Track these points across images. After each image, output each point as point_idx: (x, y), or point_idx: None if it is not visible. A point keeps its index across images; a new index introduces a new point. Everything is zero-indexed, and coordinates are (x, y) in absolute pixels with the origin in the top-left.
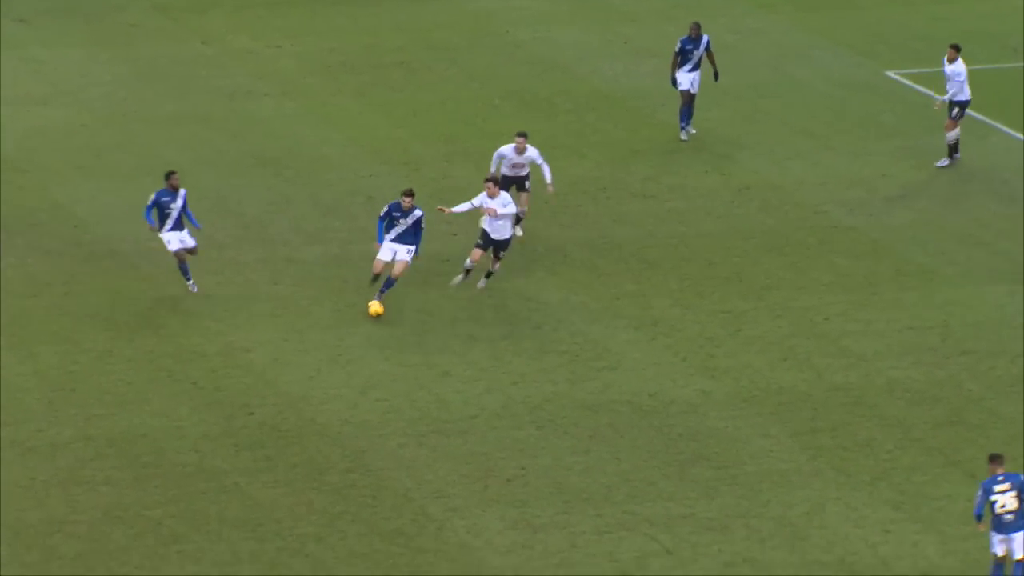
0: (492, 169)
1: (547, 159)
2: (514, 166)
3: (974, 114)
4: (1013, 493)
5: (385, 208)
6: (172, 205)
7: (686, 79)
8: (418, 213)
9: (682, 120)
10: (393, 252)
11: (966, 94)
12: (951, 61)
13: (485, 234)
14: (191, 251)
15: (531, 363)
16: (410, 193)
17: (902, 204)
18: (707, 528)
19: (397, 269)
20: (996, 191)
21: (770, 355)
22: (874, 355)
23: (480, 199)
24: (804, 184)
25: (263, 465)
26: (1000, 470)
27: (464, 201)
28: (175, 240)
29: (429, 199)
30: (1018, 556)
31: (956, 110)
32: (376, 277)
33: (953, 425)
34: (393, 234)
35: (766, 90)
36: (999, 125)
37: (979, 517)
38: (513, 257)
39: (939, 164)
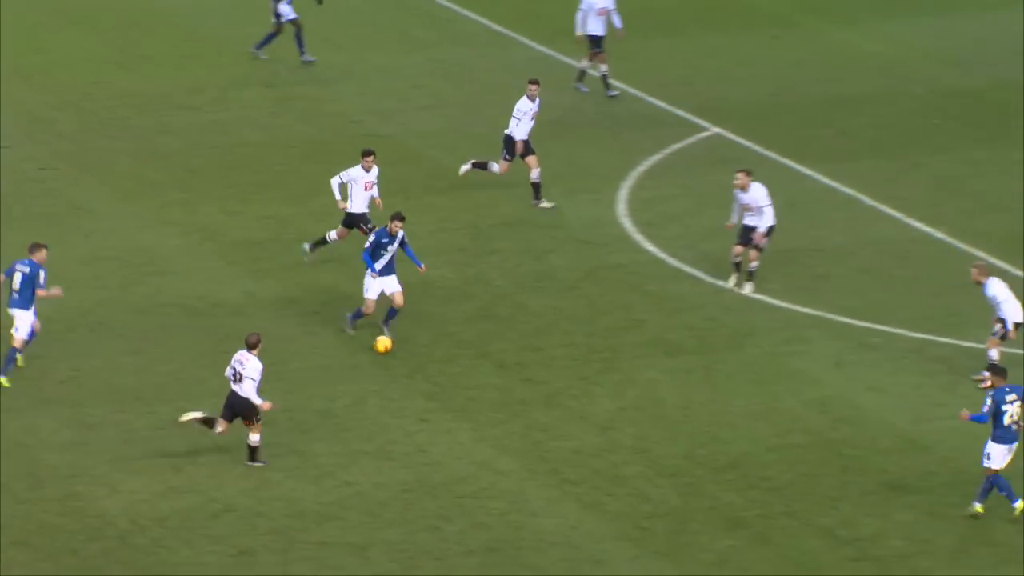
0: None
1: (96, 74)
2: None
3: (496, 27)
4: (1020, 403)
5: (372, 239)
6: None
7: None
8: (401, 235)
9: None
10: (381, 289)
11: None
12: None
13: None
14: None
15: (83, 269)
16: (401, 218)
17: (433, 113)
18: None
19: (397, 300)
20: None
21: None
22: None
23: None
24: (341, 95)
25: None
26: (1004, 383)
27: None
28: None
29: None
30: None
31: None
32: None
33: (484, 319)
34: (380, 265)
35: (297, 5)
36: (521, 38)
37: (983, 420)
38: (63, 167)
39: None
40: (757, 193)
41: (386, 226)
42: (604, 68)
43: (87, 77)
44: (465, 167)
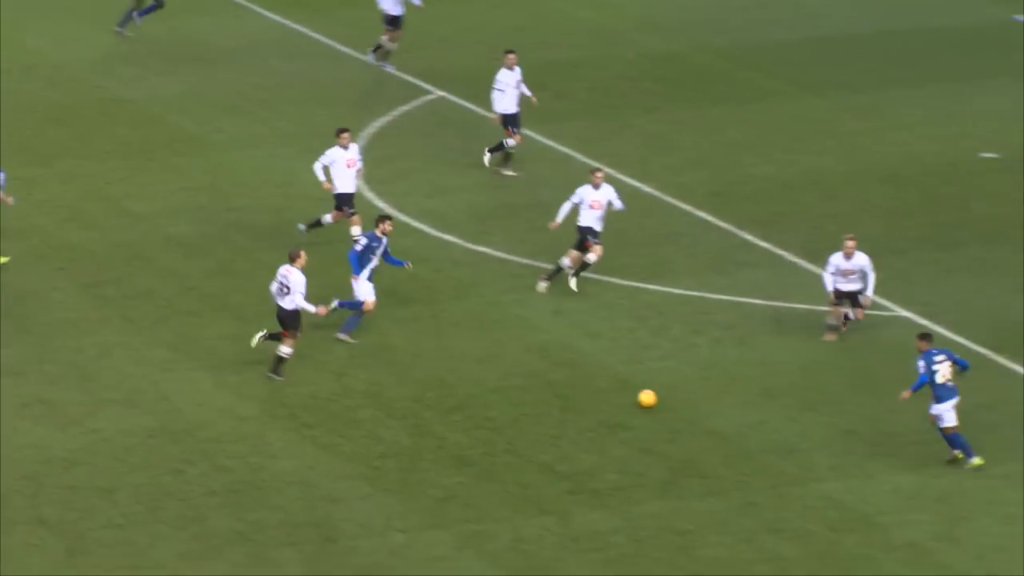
0: None
1: None
2: None
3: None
4: (948, 363)
5: (364, 241)
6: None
7: None
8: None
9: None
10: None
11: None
12: None
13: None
14: None
15: None
16: (388, 217)
17: (173, 78)
18: (5, 373)
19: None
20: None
21: (58, 216)
22: (153, 214)
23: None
24: (84, 62)
25: None
26: (929, 346)
27: None
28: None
29: None
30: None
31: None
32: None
33: (224, 274)
34: (368, 271)
35: None
36: (257, 8)
37: (922, 384)
38: None
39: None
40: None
41: (373, 231)
42: (389, 43)
43: None
44: (487, 157)
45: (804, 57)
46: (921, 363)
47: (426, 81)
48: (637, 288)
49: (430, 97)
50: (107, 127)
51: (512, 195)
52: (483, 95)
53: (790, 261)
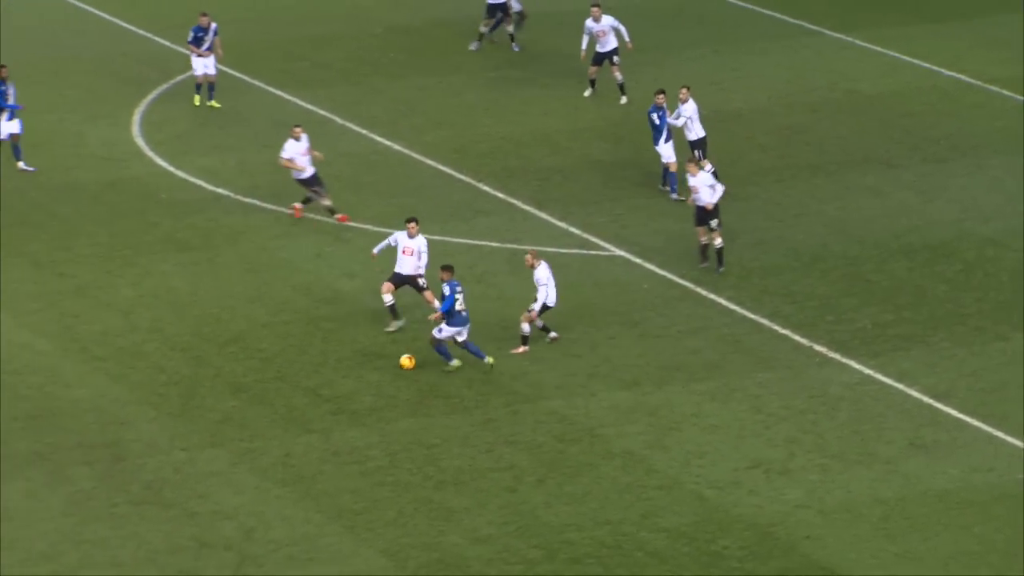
0: None
1: None
2: None
3: None
4: (463, 294)
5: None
6: None
7: None
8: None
9: None
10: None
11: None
12: None
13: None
14: None
15: None
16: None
17: None
18: None
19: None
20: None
21: None
22: None
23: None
24: None
25: None
26: (451, 277)
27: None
28: None
29: None
30: (461, 339)
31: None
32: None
33: (21, 225)
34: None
35: None
36: None
37: (450, 304)
38: None
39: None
40: (540, 273)
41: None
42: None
43: None
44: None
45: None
46: (446, 288)
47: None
48: (383, 232)
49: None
50: None
51: (277, 152)
52: (250, 64)
53: (521, 208)
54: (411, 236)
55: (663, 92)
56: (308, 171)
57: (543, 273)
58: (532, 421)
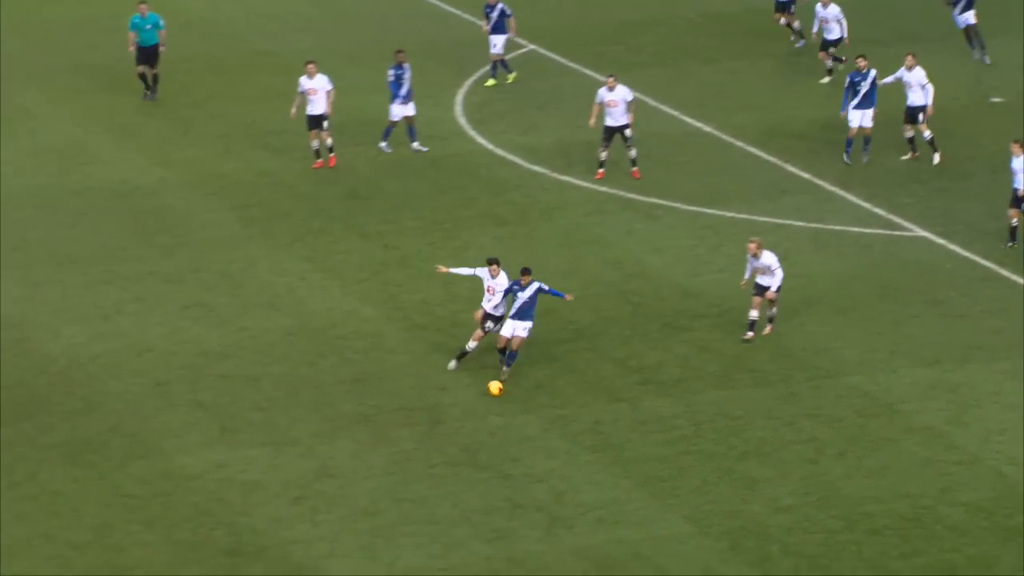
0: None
1: (33, 5)
2: None
3: None
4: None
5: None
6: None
7: None
8: (536, 285)
9: None
10: (512, 329)
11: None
12: None
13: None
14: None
15: (28, 159)
16: (527, 271)
17: (306, 33)
18: (167, 280)
19: (515, 343)
20: (370, 26)
21: (214, 149)
22: (290, 148)
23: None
24: (233, 19)
25: None
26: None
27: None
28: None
29: None
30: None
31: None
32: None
33: (350, 199)
34: (513, 309)
35: None
36: None
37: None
38: (10, 80)
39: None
40: (768, 259)
41: (518, 280)
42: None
43: (25, 6)
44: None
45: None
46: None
47: (520, 36)
48: (697, 212)
49: (523, 50)
50: (253, 75)
51: (593, 133)
52: (567, 48)
53: (827, 189)
54: (493, 276)
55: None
56: (315, 111)
57: (772, 259)
58: (833, 396)
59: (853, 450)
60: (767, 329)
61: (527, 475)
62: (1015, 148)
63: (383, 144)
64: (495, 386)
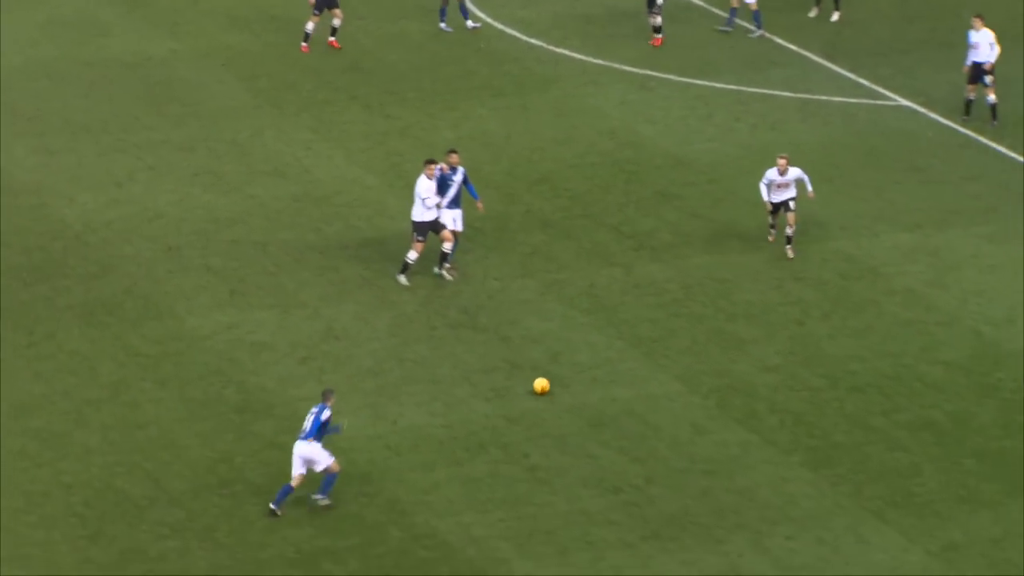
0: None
1: None
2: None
3: None
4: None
5: (437, 176)
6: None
7: None
8: (462, 171)
9: None
10: (452, 219)
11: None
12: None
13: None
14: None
15: (42, 31)
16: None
17: None
18: (179, 149)
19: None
20: None
21: (223, 21)
22: (296, 20)
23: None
24: None
25: None
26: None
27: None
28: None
29: None
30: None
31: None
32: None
33: (353, 71)
34: (448, 199)
35: None
36: None
37: None
38: None
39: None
40: (794, 172)
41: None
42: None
43: None
44: None
45: None
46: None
47: None
48: (688, 83)
49: None
50: None
51: (589, 6)
52: None
53: (813, 60)
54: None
55: None
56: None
57: (798, 172)
58: (819, 259)
59: (837, 311)
60: (789, 253)
61: (524, 336)
62: (976, 22)
63: (442, 24)
64: (541, 384)
